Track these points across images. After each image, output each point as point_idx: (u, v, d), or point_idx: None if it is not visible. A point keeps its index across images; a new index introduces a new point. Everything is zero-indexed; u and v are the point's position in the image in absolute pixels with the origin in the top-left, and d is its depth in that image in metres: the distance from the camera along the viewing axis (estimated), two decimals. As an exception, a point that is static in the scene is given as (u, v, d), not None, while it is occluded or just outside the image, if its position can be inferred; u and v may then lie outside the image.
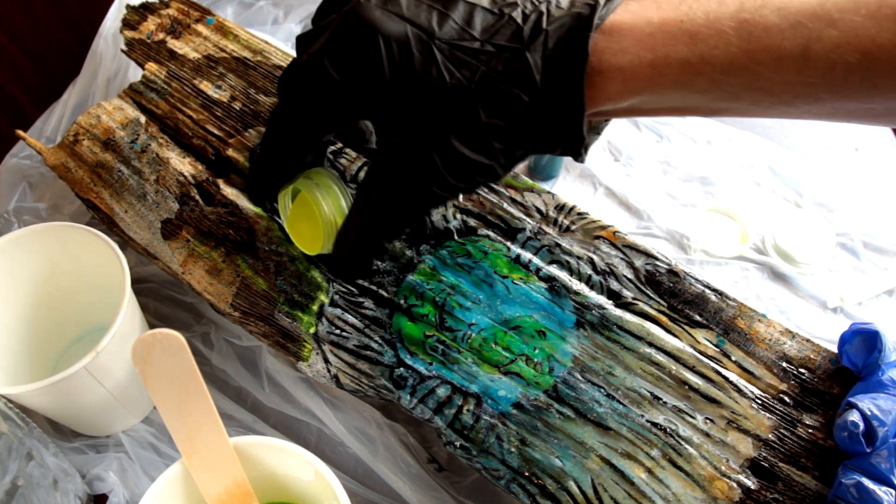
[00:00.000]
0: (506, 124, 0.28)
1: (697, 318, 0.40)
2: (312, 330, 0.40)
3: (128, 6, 0.51)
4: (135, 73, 0.55)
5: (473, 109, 0.28)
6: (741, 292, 0.51)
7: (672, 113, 0.31)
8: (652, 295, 0.40)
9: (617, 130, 0.59)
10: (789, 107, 0.28)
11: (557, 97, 0.28)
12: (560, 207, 0.43)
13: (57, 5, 0.64)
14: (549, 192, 0.44)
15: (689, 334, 0.39)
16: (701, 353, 0.39)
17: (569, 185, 0.56)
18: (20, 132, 0.46)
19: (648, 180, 0.56)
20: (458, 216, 0.43)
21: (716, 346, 0.39)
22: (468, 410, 0.37)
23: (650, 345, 0.39)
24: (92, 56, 0.57)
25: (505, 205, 0.43)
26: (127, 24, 0.50)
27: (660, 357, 0.38)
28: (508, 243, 0.42)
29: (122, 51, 0.50)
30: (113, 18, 0.56)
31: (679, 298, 0.40)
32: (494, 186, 0.44)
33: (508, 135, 0.29)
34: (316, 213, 0.35)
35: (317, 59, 0.29)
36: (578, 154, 0.30)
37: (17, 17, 0.65)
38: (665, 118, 0.60)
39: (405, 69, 0.28)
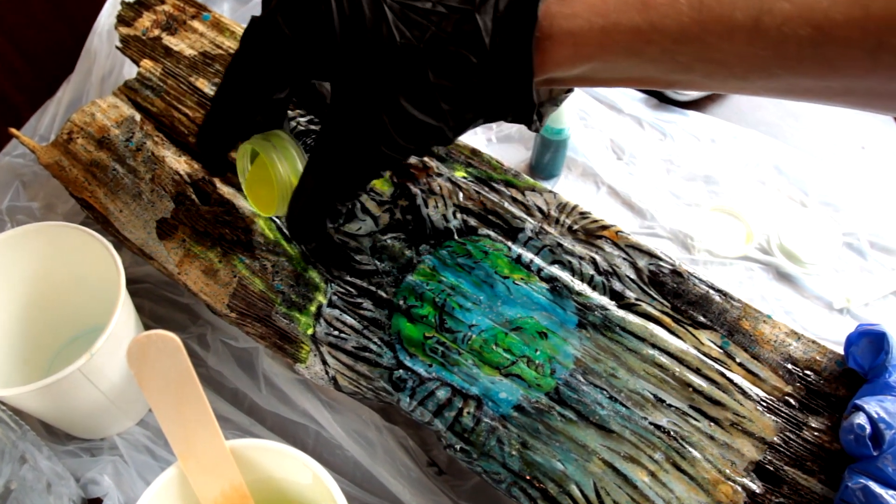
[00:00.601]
0: (454, 86, 0.29)
1: (701, 319, 0.40)
2: (310, 331, 0.40)
3: (123, 2, 0.51)
4: (129, 71, 0.55)
5: (422, 70, 0.28)
6: (746, 293, 0.51)
7: (627, 84, 0.31)
8: (655, 296, 0.40)
9: (620, 128, 0.59)
10: (744, 81, 0.28)
11: (506, 60, 0.28)
12: (562, 207, 0.43)
13: (52, 1, 0.64)
14: (550, 192, 0.44)
15: (693, 336, 0.39)
16: (705, 354, 0.39)
17: (570, 183, 0.56)
18: (13, 130, 0.46)
19: (651, 179, 0.56)
20: (459, 215, 0.43)
21: (720, 347, 0.39)
22: (468, 413, 0.37)
23: (653, 346, 0.39)
24: (86, 53, 0.57)
25: (506, 204, 0.43)
26: (122, 20, 0.50)
27: (663, 359, 0.38)
28: (509, 243, 0.42)
29: (117, 48, 0.50)
30: (108, 15, 0.56)
31: (683, 299, 0.40)
32: (495, 185, 0.44)
33: (457, 97, 0.29)
34: (271, 174, 0.36)
35: (270, 15, 0.30)
36: (530, 122, 0.30)
37: (11, 13, 0.65)
38: (668, 116, 0.60)
39: (355, 27, 0.28)
